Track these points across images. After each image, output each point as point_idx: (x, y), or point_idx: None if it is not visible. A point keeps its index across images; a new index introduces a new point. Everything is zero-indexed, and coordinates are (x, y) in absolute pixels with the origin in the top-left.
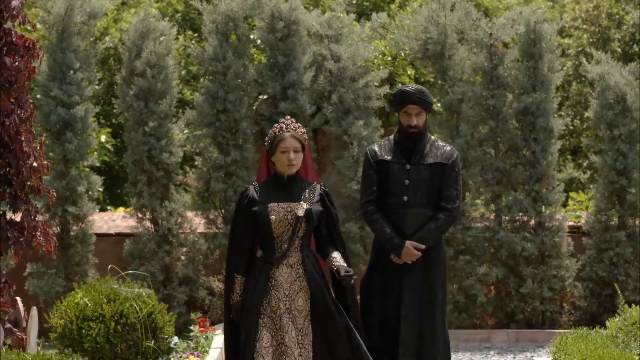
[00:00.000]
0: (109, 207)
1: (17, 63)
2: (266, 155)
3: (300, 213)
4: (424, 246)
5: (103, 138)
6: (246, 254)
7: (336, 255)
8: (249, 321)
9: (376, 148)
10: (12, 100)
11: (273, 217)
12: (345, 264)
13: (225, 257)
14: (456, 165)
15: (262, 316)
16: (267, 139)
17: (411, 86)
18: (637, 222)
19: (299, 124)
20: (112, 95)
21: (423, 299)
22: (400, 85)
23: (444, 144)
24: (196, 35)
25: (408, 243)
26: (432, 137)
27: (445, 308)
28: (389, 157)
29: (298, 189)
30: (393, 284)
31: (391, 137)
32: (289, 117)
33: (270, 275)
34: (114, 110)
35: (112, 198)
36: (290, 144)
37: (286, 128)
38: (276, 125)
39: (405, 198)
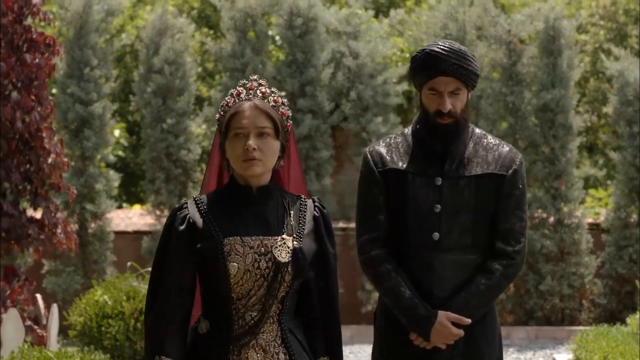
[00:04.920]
0: (124, 205)
1: (37, 60)
2: (217, 147)
3: (284, 257)
4: (468, 320)
5: (117, 133)
6: (181, 323)
7: None
8: None
9: (382, 149)
10: (33, 97)
11: (234, 264)
12: None
13: (144, 330)
14: (520, 178)
15: None
16: (218, 112)
17: (443, 44)
18: None
19: (275, 90)
20: (128, 92)
21: None
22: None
23: (497, 141)
24: (212, 32)
25: (442, 315)
26: (478, 130)
27: None
28: (405, 165)
29: (276, 209)
30: None
31: (407, 130)
32: (256, 76)
33: None
34: (130, 108)
35: (128, 195)
36: (250, 121)
37: (246, 93)
38: (232, 90)
39: (435, 236)
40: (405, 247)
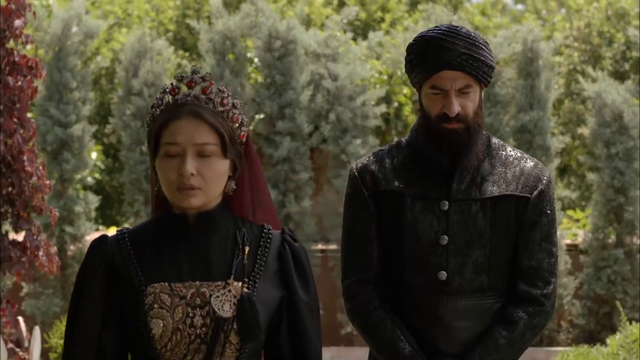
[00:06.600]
0: (100, 227)
1: (19, 83)
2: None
3: (226, 311)
4: None
5: (94, 155)
6: None
7: None
8: None
9: (373, 166)
10: (15, 120)
11: (158, 321)
12: None
13: None
14: (548, 202)
15: None
16: (147, 119)
17: (447, 28)
18: (634, 240)
19: (224, 88)
20: (104, 115)
21: None
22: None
23: (519, 153)
24: (188, 54)
25: None
26: (495, 140)
27: None
28: (402, 186)
29: (224, 245)
30: None
31: (403, 140)
32: (199, 67)
33: None
34: (106, 130)
35: (104, 218)
36: (187, 135)
37: (184, 92)
38: (166, 85)
39: (442, 275)
40: (404, 290)
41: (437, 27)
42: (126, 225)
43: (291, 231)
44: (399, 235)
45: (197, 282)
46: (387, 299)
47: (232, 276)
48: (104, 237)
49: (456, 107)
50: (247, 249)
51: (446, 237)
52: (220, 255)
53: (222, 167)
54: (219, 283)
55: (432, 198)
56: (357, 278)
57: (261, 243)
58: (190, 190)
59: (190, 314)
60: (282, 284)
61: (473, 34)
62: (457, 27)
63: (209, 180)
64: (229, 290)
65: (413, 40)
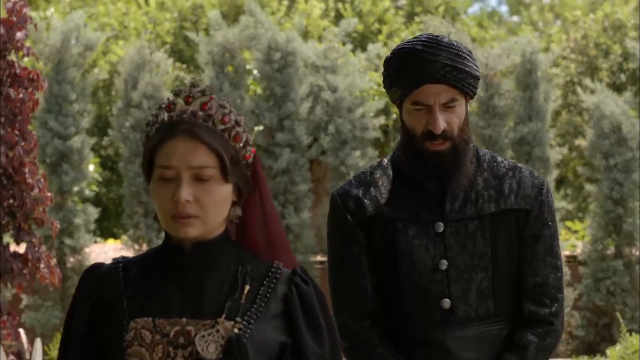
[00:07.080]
0: (97, 239)
1: (21, 95)
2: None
3: (211, 352)
4: None
5: (91, 167)
6: None
7: None
8: None
9: (356, 190)
10: (16, 132)
11: None
12: None
13: None
14: (549, 212)
15: None
16: (142, 138)
17: (427, 38)
18: (633, 251)
19: (226, 103)
20: (101, 127)
21: None
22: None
23: (512, 163)
24: (185, 66)
25: None
26: (483, 151)
27: None
28: (391, 210)
29: (220, 279)
30: None
31: (385, 161)
32: (198, 79)
33: None
34: (103, 142)
35: (102, 230)
36: (182, 158)
37: (181, 107)
38: (162, 102)
39: (445, 303)
40: (404, 323)
41: (416, 37)
42: (124, 237)
43: (304, 271)
44: (393, 264)
45: (184, 320)
46: (387, 334)
47: (223, 315)
48: (96, 266)
49: (442, 124)
50: (247, 287)
51: (445, 262)
52: (215, 291)
53: (222, 192)
54: (208, 322)
55: (425, 220)
56: (351, 314)
57: (265, 282)
58: (187, 218)
59: (172, 354)
60: (286, 329)
61: (455, 44)
62: (438, 36)
63: (208, 208)
64: (217, 330)
65: (390, 54)
